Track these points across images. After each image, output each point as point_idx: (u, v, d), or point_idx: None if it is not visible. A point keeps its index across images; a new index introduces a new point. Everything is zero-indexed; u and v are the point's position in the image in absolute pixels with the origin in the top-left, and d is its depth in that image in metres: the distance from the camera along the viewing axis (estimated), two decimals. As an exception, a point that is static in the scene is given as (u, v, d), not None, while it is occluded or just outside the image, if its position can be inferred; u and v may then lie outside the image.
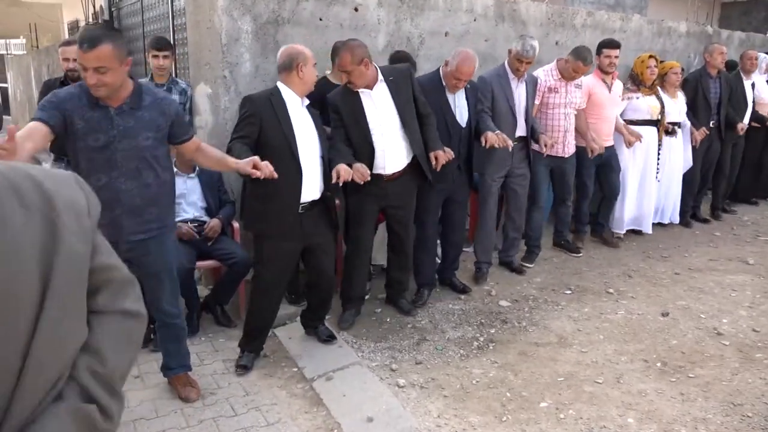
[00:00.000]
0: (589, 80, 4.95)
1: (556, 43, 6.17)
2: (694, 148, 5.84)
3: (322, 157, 3.09)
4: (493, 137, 3.66)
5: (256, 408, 2.87)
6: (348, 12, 4.72)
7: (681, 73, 5.68)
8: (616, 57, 4.97)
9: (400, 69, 3.58)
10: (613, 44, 4.99)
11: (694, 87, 5.91)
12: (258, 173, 2.60)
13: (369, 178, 3.15)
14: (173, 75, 4.49)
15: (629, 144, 5.16)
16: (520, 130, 4.28)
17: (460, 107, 3.86)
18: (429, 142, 3.53)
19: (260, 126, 2.91)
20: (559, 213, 5.12)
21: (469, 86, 3.86)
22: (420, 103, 3.54)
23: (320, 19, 4.60)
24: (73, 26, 16.07)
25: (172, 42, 5.93)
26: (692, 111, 5.83)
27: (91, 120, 2.39)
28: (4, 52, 18.06)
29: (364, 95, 3.36)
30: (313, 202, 3.08)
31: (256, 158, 2.62)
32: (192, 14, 4.42)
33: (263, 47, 4.36)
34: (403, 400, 2.91)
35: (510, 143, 3.76)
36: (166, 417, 2.80)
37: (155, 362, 3.15)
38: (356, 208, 3.56)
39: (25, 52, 16.78)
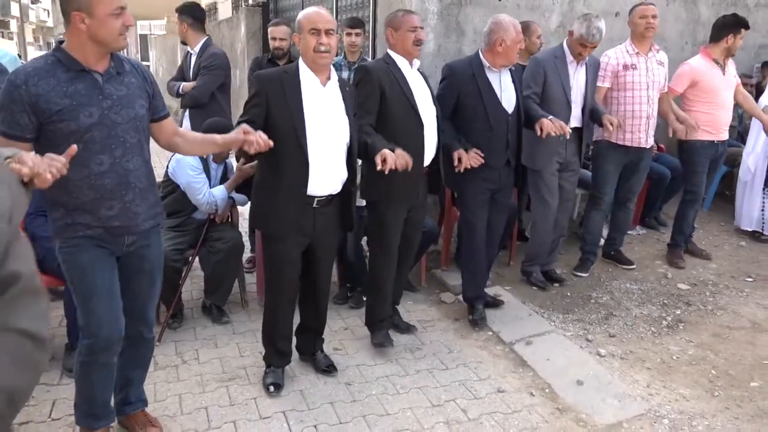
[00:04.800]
0: (696, 63, 4.23)
1: (727, 24, 5.92)
2: None
3: (349, 146, 2.64)
4: (550, 124, 3.15)
5: (464, 364, 3.10)
6: (525, -7, 4.80)
7: None
8: None
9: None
10: (748, 25, 4.26)
11: None
12: (251, 137, 2.22)
13: (410, 167, 2.64)
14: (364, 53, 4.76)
15: None
16: (575, 120, 3.67)
17: (507, 90, 3.26)
18: (445, 140, 3.12)
19: (267, 108, 2.49)
20: (617, 217, 4.30)
21: (513, 68, 3.31)
22: None
23: (498, 0, 4.71)
24: (211, 8, 17.13)
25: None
26: None
27: (76, 94, 1.97)
28: (148, 32, 19.52)
29: (406, 70, 2.96)
30: (331, 196, 2.66)
31: (245, 125, 2.29)
32: (385, -4, 4.67)
33: (446, 27, 4.55)
34: (608, 368, 3.03)
35: (567, 130, 3.24)
36: (384, 365, 3.08)
37: (359, 317, 3.47)
38: (383, 214, 3.05)
39: (165, 32, 18.05)
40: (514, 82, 3.30)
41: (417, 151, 2.85)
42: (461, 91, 3.21)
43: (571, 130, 3.39)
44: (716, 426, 2.61)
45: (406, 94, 2.89)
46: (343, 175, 2.65)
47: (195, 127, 3.97)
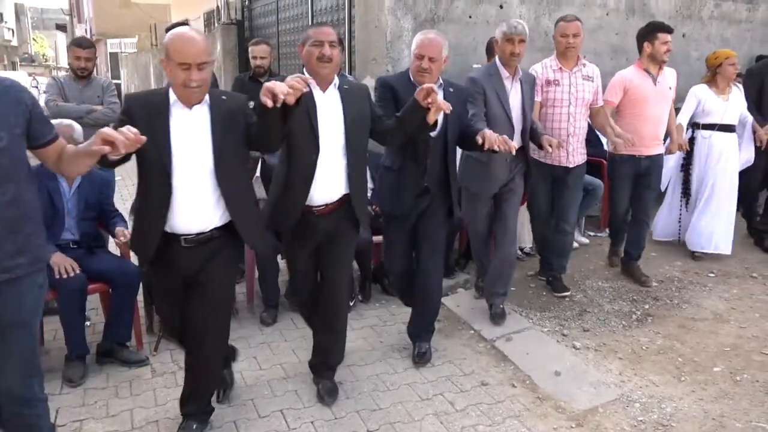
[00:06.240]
0: (627, 73, 4.16)
1: (683, 36, 6.29)
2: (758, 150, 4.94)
3: (220, 183, 2.31)
4: (493, 136, 2.76)
5: (449, 361, 3.27)
6: (494, 10, 5.07)
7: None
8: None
9: (357, 83, 2.99)
10: (668, 28, 4.11)
11: (759, 80, 5.08)
12: (106, 149, 1.81)
13: (312, 80, 2.31)
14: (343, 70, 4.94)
15: (669, 151, 4.44)
16: (517, 141, 3.41)
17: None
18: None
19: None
20: (553, 239, 4.09)
21: (452, 90, 3.02)
22: (376, 120, 2.76)
23: (470, 17, 4.97)
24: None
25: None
26: (760, 109, 5.01)
27: None
28: (119, 50, 19.47)
29: (317, 94, 2.60)
30: (205, 237, 2.35)
31: (105, 129, 1.84)
32: (362, 15, 4.88)
33: (420, 43, 4.77)
34: (583, 360, 3.24)
35: (513, 146, 2.85)
36: (373, 364, 3.24)
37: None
38: (286, 246, 2.89)
39: (136, 50, 18.03)
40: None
41: (304, 180, 2.58)
42: (394, 101, 2.97)
43: (516, 146, 3.04)
44: (683, 407, 2.83)
45: (310, 116, 2.56)
46: (214, 212, 2.35)
47: None
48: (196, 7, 14.56)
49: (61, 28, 47.19)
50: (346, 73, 4.84)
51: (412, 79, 2.99)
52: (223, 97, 2.37)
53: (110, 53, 20.77)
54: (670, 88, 4.20)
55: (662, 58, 4.08)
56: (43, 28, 54.93)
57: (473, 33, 4.97)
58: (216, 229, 2.37)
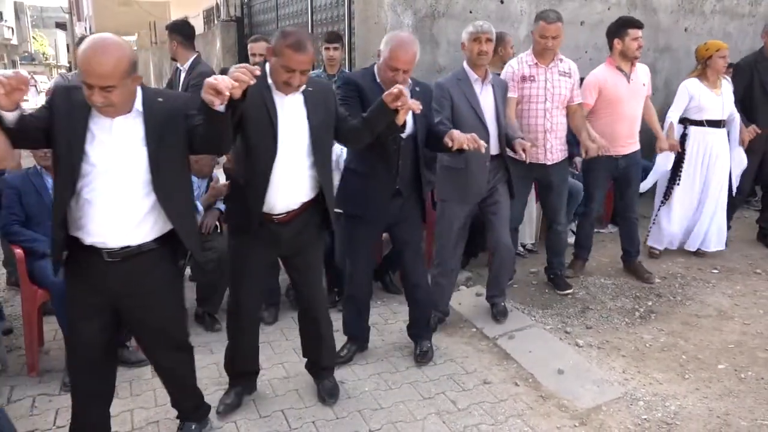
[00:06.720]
0: (600, 72, 4.01)
1: (686, 30, 6.25)
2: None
3: (157, 192, 2.08)
4: (462, 135, 2.70)
5: (451, 360, 3.25)
6: (494, 5, 5.04)
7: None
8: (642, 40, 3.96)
9: (321, 82, 2.81)
10: (638, 23, 3.97)
11: (748, 75, 4.90)
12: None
13: (259, 72, 2.01)
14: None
15: (660, 149, 4.34)
16: (494, 147, 3.28)
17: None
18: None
19: (51, 121, 1.99)
20: (548, 240, 4.10)
21: (418, 89, 2.90)
22: (341, 120, 2.60)
23: (470, 12, 4.94)
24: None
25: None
26: (745, 106, 4.83)
27: None
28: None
29: (279, 98, 2.42)
30: (133, 250, 2.10)
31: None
32: (361, 11, 4.85)
33: (420, 40, 4.70)
34: (587, 357, 3.21)
35: (482, 144, 2.73)
36: (375, 363, 3.22)
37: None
38: (238, 257, 2.63)
39: (135, 48, 18.00)
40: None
41: (260, 183, 2.42)
42: (360, 99, 2.82)
43: (486, 145, 2.84)
44: (687, 405, 2.81)
45: (271, 118, 2.40)
46: (143, 225, 2.10)
47: None
48: (195, 4, 14.51)
49: (60, 26, 47.16)
50: (347, 70, 4.81)
51: (378, 80, 2.85)
52: (160, 99, 2.11)
53: (110, 51, 20.71)
54: (644, 85, 4.09)
55: (634, 54, 3.93)
56: (43, 26, 54.96)
57: (474, 29, 4.93)
58: (146, 243, 2.13)
